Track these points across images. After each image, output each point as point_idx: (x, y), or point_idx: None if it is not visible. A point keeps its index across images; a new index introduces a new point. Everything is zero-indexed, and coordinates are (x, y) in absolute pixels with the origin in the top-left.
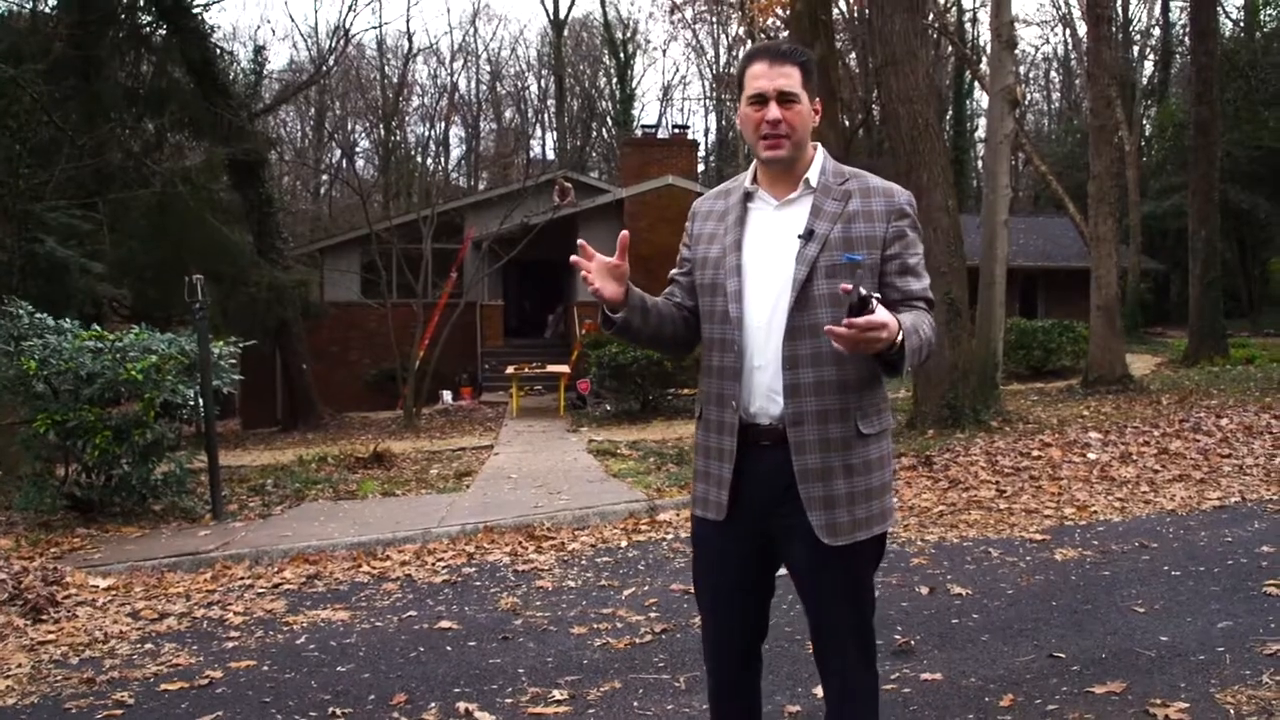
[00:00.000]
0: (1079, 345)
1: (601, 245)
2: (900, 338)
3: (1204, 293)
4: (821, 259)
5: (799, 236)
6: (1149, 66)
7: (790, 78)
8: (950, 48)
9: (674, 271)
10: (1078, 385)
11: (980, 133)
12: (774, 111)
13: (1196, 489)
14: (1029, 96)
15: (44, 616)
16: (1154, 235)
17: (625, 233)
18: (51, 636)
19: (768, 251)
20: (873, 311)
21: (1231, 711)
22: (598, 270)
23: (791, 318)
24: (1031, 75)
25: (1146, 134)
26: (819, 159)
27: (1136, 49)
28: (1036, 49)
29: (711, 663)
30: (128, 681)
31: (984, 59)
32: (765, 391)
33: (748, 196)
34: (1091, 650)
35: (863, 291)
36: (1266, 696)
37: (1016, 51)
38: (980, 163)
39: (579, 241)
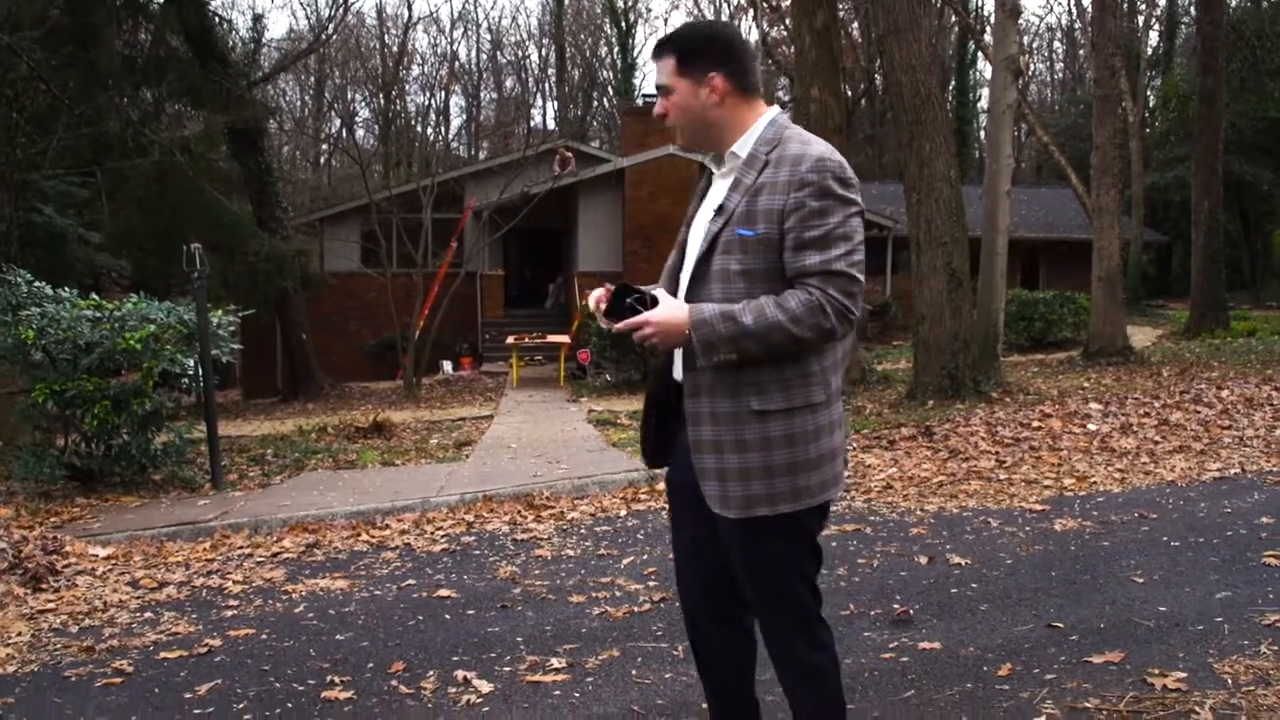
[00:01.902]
0: (1080, 317)
1: (602, 214)
2: (687, 332)
3: (1206, 265)
4: (723, 234)
5: (714, 210)
6: (1154, 36)
7: (661, 71)
8: (954, 16)
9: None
10: (1079, 357)
11: (983, 103)
12: (659, 106)
13: (1196, 460)
14: (1033, 66)
15: (44, 585)
16: (1157, 207)
17: None
18: (51, 605)
19: (698, 227)
20: (636, 312)
21: (1229, 681)
22: None
23: (689, 293)
24: (1035, 45)
25: (1151, 105)
26: (756, 128)
27: (1141, 19)
28: (1040, 18)
29: (689, 626)
30: (127, 650)
31: (988, 28)
32: (680, 361)
33: (710, 172)
34: (1090, 620)
35: (618, 288)
36: (1264, 666)
37: (1020, 21)
38: (983, 133)
39: None
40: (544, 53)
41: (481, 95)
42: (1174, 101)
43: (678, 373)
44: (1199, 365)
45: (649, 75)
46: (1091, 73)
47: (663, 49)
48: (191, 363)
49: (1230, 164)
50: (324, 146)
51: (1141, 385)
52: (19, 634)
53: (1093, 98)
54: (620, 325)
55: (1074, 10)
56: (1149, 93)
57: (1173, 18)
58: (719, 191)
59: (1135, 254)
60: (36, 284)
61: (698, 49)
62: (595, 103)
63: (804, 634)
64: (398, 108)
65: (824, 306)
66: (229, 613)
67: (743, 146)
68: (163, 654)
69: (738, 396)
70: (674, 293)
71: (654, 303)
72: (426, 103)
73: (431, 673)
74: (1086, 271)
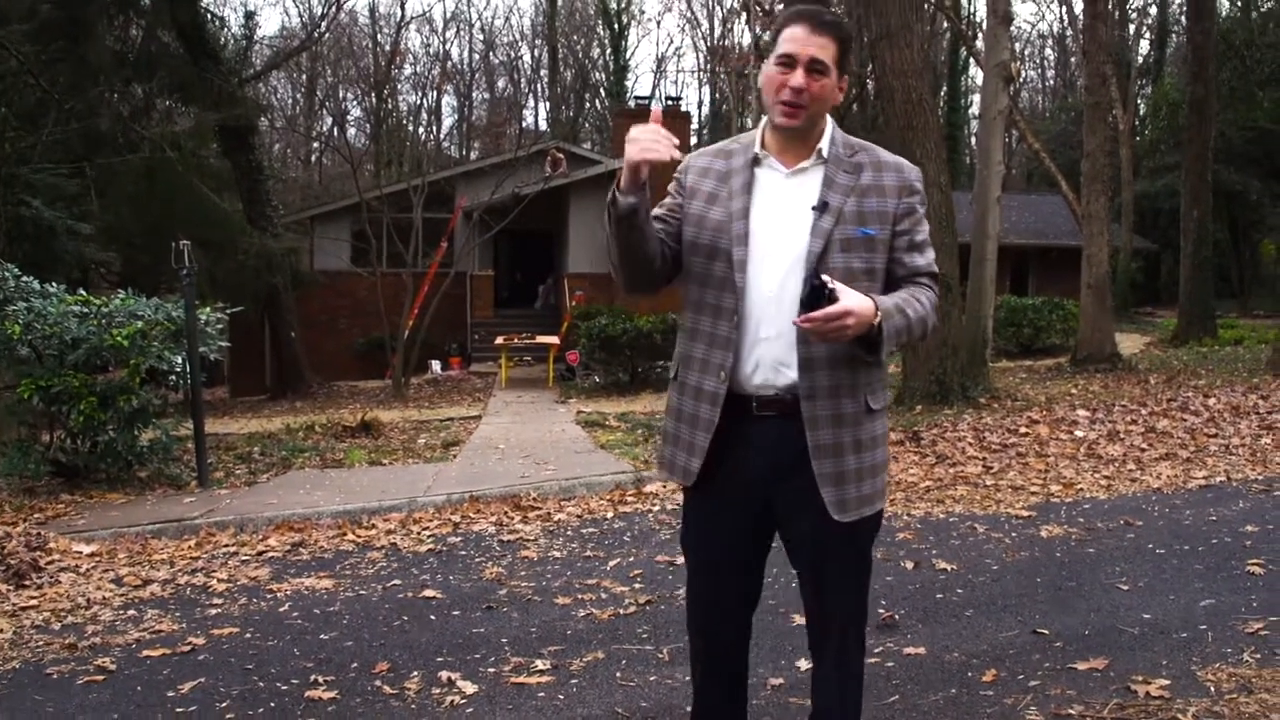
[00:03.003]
0: (1069, 323)
1: (593, 216)
2: (878, 319)
3: (1194, 273)
4: (836, 232)
5: (813, 208)
6: (1145, 45)
7: (825, 49)
8: (946, 22)
9: (660, 212)
10: (1067, 363)
11: (974, 109)
12: (799, 79)
13: (1183, 468)
14: (1024, 73)
15: (26, 582)
16: (1146, 215)
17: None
18: (34, 602)
19: (778, 221)
20: (833, 301)
21: (1212, 688)
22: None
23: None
24: (1027, 52)
25: (1141, 113)
26: (829, 129)
27: (1133, 27)
28: (1032, 25)
29: (697, 630)
30: (110, 647)
31: (979, 34)
32: (772, 363)
33: (755, 161)
34: (1075, 627)
35: (815, 281)
36: (1247, 674)
37: (1012, 28)
38: (974, 139)
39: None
40: (536, 53)
41: (473, 95)
42: (1164, 110)
43: (757, 380)
44: (1186, 373)
45: (641, 77)
46: (1082, 80)
47: (828, 28)
48: (179, 360)
49: (1219, 173)
50: (315, 145)
51: (1129, 392)
52: (1, 631)
53: (1083, 105)
54: (820, 314)
55: (1065, 18)
56: (1139, 101)
57: (1163, 26)
58: (800, 187)
59: (1124, 261)
60: (24, 278)
61: (850, 46)
62: (587, 104)
63: (860, 636)
64: (389, 107)
65: (935, 303)
66: (213, 611)
67: (825, 145)
68: (146, 652)
69: (856, 396)
70: (744, 286)
71: (834, 290)
72: (418, 102)
73: (416, 673)
74: (1076, 278)
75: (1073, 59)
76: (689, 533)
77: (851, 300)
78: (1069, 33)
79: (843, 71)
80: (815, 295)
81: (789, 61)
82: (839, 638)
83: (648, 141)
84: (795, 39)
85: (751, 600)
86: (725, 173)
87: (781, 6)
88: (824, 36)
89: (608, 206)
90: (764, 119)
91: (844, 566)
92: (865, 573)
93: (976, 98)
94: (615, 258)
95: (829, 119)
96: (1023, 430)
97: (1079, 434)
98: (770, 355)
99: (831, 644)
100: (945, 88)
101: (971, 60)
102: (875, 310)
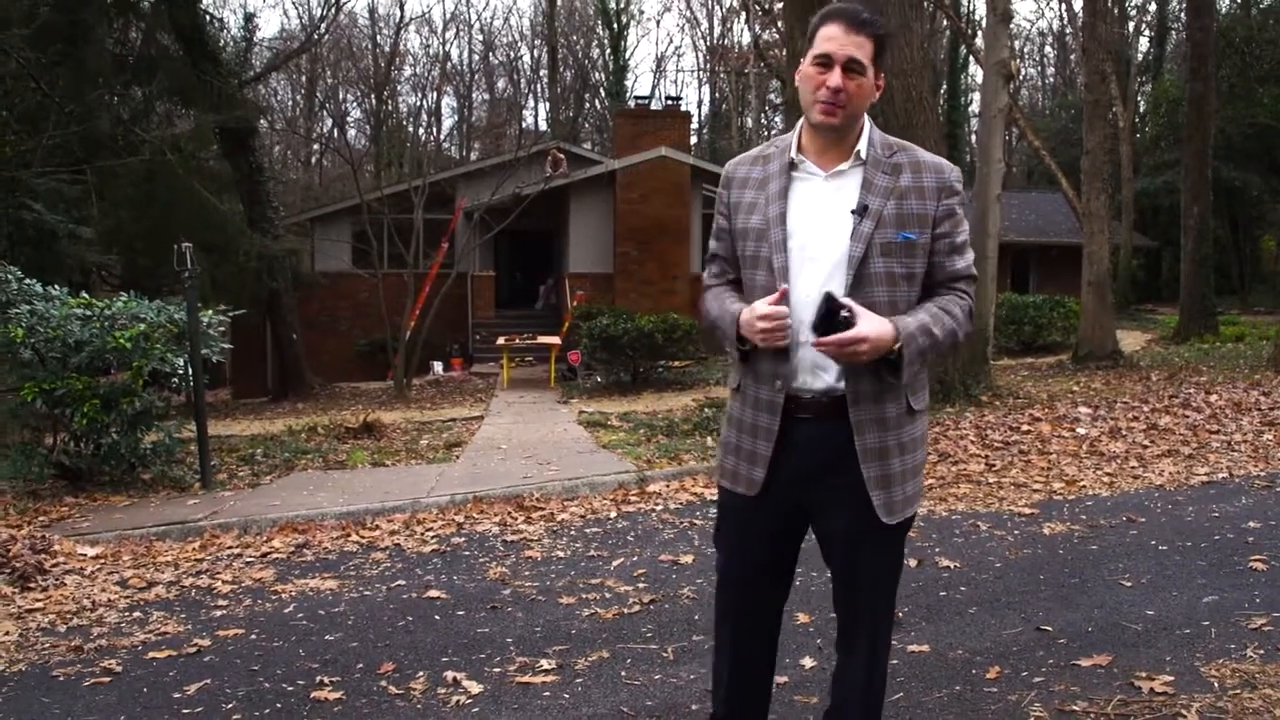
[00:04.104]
0: (1070, 321)
1: (594, 216)
2: (898, 345)
3: (1195, 270)
4: (876, 236)
5: (852, 212)
6: (1145, 42)
7: (863, 48)
8: (945, 20)
9: (715, 246)
10: (1068, 361)
11: (974, 107)
12: (836, 79)
13: (1185, 465)
14: (1024, 71)
15: (32, 585)
16: (1147, 212)
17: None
18: (39, 604)
19: (818, 226)
20: (848, 324)
21: (1216, 684)
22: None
23: (847, 294)
24: (1026, 50)
25: (1141, 110)
26: (867, 129)
27: (1132, 24)
28: (1032, 23)
29: (729, 631)
30: (115, 650)
31: (979, 32)
32: (809, 366)
33: (792, 165)
34: (1078, 623)
35: (830, 305)
36: (1250, 670)
37: (1011, 25)
38: (974, 137)
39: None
40: (536, 54)
41: (473, 96)
42: (1164, 107)
43: (795, 384)
44: (1188, 370)
45: (641, 77)
46: (1082, 78)
47: (865, 27)
48: (181, 362)
49: (1220, 169)
50: (315, 146)
51: (1131, 389)
52: (6, 633)
53: (1083, 103)
54: (832, 340)
55: (1065, 15)
56: (1139, 98)
57: (1163, 23)
58: (839, 190)
59: (1125, 259)
60: (26, 281)
61: (886, 45)
62: (587, 104)
63: (888, 637)
64: (389, 108)
65: (971, 310)
66: (218, 613)
67: (864, 147)
68: (151, 654)
69: (899, 399)
70: (784, 299)
71: (851, 314)
72: (418, 103)
73: (421, 673)
74: (1077, 275)
75: (1072, 56)
76: (725, 533)
77: (867, 326)
78: (1069, 30)
79: (880, 70)
80: (829, 319)
81: (826, 61)
82: (869, 633)
83: (776, 335)
84: (832, 38)
85: (781, 599)
86: (763, 179)
87: (780, 6)
88: (861, 35)
89: (728, 333)
90: (800, 121)
91: (879, 563)
92: (898, 569)
93: (977, 96)
94: (710, 348)
95: (867, 119)
96: (1025, 428)
97: (1081, 431)
98: (808, 358)
99: (863, 640)
100: (945, 86)
101: (971, 58)
102: (895, 335)
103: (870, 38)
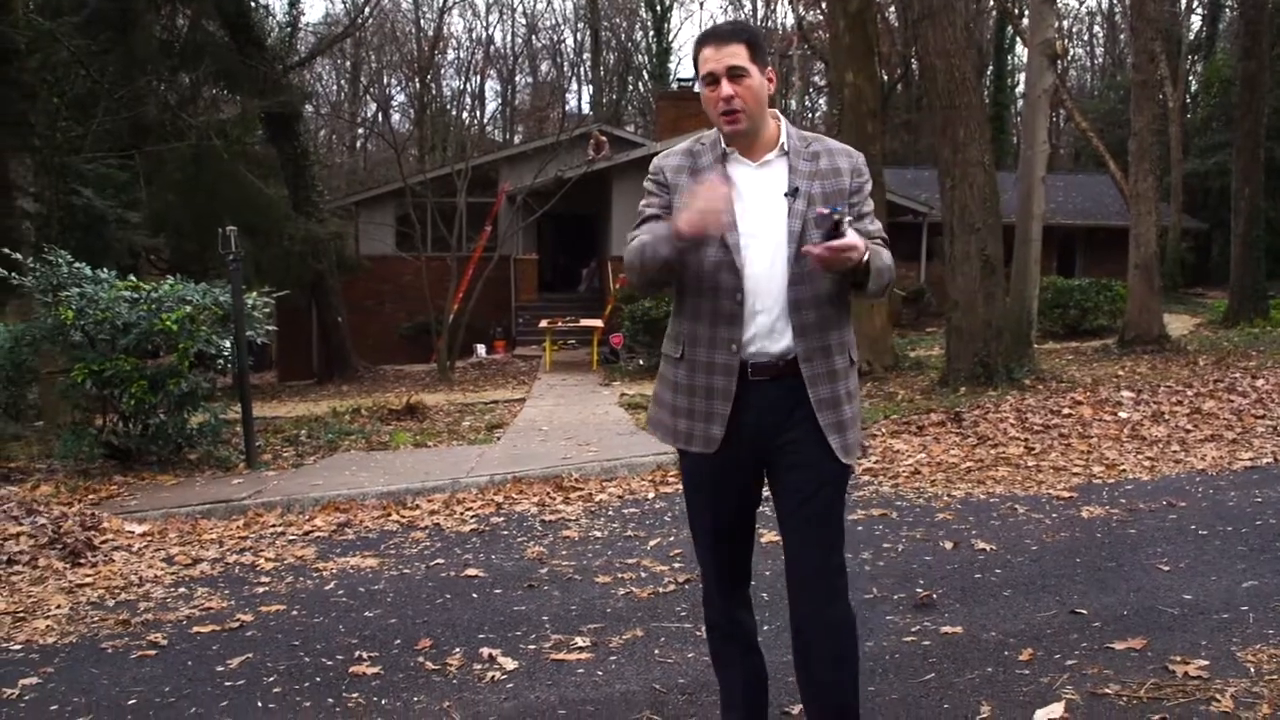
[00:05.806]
0: (1116, 304)
1: (636, 199)
2: (866, 257)
3: (1246, 252)
4: (809, 212)
5: (786, 195)
6: (1196, 20)
7: (737, 55)
8: (991, 0)
9: (651, 213)
10: (1114, 345)
11: (1021, 88)
12: (726, 89)
13: (1228, 449)
14: (1071, 52)
15: (82, 560)
16: (1196, 194)
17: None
18: (89, 579)
19: (758, 207)
20: (844, 235)
21: (1252, 669)
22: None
23: (793, 266)
24: (1075, 29)
25: (1192, 90)
26: (784, 126)
27: (1184, 2)
28: (1080, 2)
29: (714, 590)
30: (161, 623)
31: (1025, 12)
32: (767, 332)
33: (724, 157)
34: (1113, 607)
35: (835, 215)
36: None
37: (1058, 5)
38: (1019, 119)
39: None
40: (579, 37)
41: (516, 79)
42: (1216, 87)
43: (752, 349)
44: (1236, 354)
45: (684, 59)
46: (1130, 57)
47: (732, 36)
48: (227, 344)
49: (1272, 150)
50: (359, 131)
51: (1176, 374)
52: (58, 607)
53: (1131, 83)
54: (838, 244)
55: None
56: (1190, 77)
57: (1216, 1)
58: (769, 176)
59: (1173, 241)
60: (76, 265)
61: (760, 43)
62: (630, 87)
63: (845, 586)
64: (433, 92)
65: (890, 258)
66: (261, 589)
67: (786, 139)
68: (196, 628)
69: (843, 354)
70: (742, 266)
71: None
72: (461, 87)
73: (458, 649)
74: (1123, 259)
75: (1121, 36)
76: (698, 494)
77: (855, 237)
78: (1118, 9)
79: (764, 65)
80: (835, 227)
81: (712, 79)
82: (827, 589)
83: (714, 217)
84: (709, 58)
85: (749, 532)
86: (696, 170)
87: None
88: (731, 45)
89: (661, 233)
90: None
91: (836, 502)
92: (842, 511)
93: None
94: (642, 276)
95: (782, 118)
96: (1066, 411)
97: (1123, 415)
98: (766, 325)
99: (820, 596)
100: (991, 66)
101: (1017, 39)
102: (865, 248)
103: (741, 43)
